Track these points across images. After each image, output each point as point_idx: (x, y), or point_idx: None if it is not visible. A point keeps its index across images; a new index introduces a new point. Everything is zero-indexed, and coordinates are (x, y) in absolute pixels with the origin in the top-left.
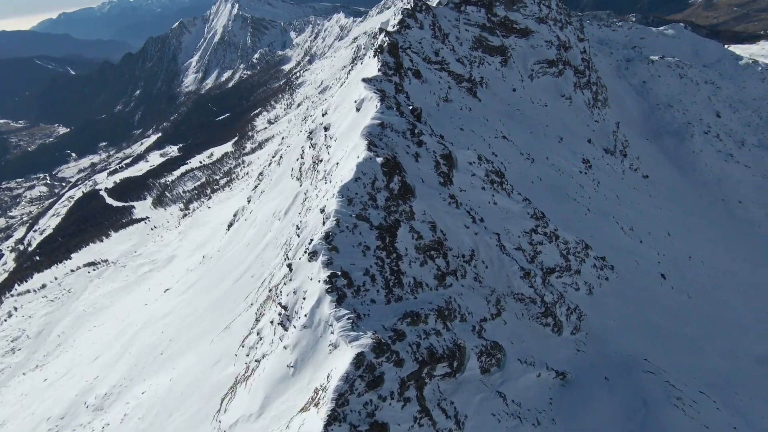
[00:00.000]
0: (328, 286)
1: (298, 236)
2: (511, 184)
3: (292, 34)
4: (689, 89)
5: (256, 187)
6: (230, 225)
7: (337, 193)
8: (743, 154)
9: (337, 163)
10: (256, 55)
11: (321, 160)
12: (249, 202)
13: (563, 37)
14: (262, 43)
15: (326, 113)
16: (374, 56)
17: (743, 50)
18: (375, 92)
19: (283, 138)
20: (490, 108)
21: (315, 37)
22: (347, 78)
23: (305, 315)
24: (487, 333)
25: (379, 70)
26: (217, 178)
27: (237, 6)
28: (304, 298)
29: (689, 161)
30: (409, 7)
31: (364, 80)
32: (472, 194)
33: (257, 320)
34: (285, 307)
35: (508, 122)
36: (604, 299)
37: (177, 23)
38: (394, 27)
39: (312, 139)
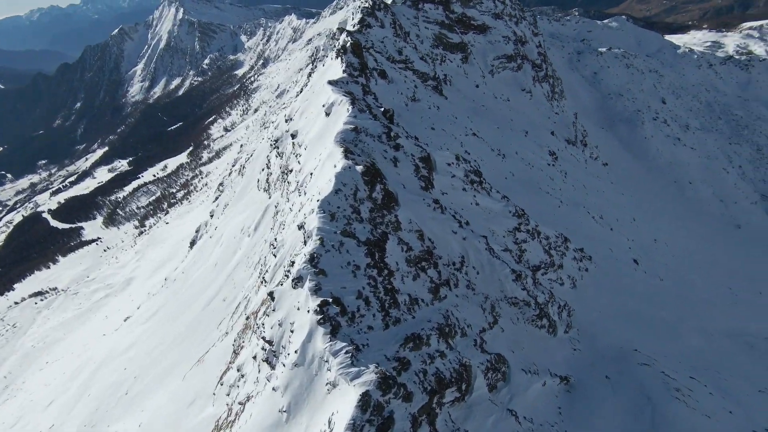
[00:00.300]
0: (319, 317)
1: (275, 256)
2: (489, 182)
3: (243, 38)
4: (636, 78)
5: (217, 198)
6: (193, 242)
7: (318, 208)
8: (689, 137)
9: (311, 173)
10: (206, 61)
11: (291, 170)
12: (212, 216)
13: (519, 32)
14: (211, 48)
15: (291, 119)
16: (337, 57)
17: (677, 39)
18: (344, 95)
19: (242, 146)
20: (457, 105)
21: (267, 40)
22: (308, 81)
23: (296, 351)
24: (488, 345)
25: (344, 71)
26: (174, 191)
27: (182, 10)
28: (292, 331)
29: (642, 147)
30: (368, 5)
31: (330, 83)
32: (454, 197)
33: (236, 353)
34: (270, 342)
35: (476, 119)
36: (587, 291)
37: (117, 30)
38: (354, 26)
39: (278, 148)
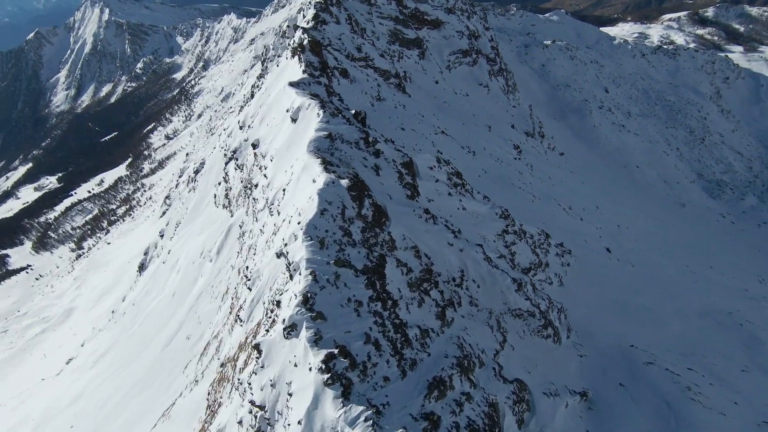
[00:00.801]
0: (326, 376)
1: (250, 289)
2: (470, 183)
3: (179, 39)
4: (580, 69)
5: (165, 213)
6: (142, 266)
7: (303, 234)
8: (631, 124)
9: (284, 190)
10: (140, 65)
11: (256, 185)
12: (162, 236)
13: (472, 26)
14: (145, 51)
15: (248, 126)
16: (294, 56)
17: (608, 31)
18: (310, 98)
19: (188, 154)
20: (421, 103)
21: (206, 41)
22: (259, 83)
23: (299, 422)
24: (505, 369)
25: (304, 71)
26: (114, 207)
27: (107, 11)
28: (290, 394)
29: (593, 135)
30: (320, 0)
31: (291, 85)
32: (441, 203)
33: (212, 410)
34: (261, 407)
35: (440, 115)
36: (573, 287)
37: (33, 34)
38: (308, 23)
39: (237, 160)
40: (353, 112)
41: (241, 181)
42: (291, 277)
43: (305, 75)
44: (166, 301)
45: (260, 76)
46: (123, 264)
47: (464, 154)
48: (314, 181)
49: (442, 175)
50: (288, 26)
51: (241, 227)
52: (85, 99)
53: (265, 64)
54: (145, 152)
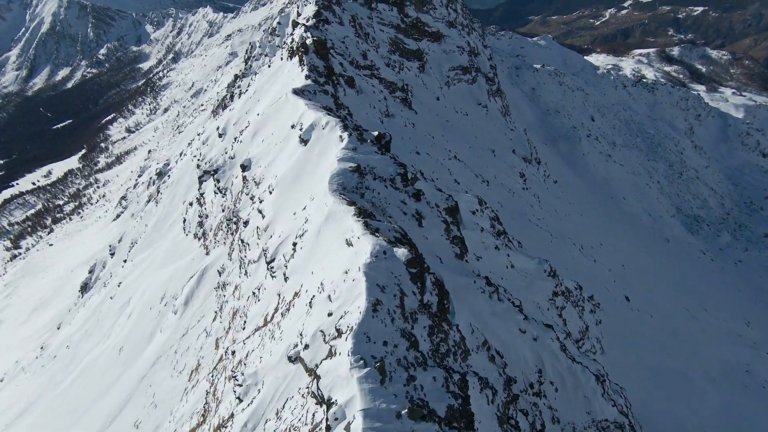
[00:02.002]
0: None
1: (240, 399)
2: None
3: (149, 28)
4: (568, 96)
5: (119, 216)
6: (85, 286)
7: (352, 356)
8: (617, 154)
9: (295, 244)
10: (103, 51)
11: (246, 222)
12: (113, 255)
13: (472, 43)
14: (109, 37)
15: (236, 140)
16: (292, 57)
17: None
18: (326, 112)
19: (150, 151)
20: (426, 121)
21: (179, 33)
22: (241, 83)
23: None
24: None
25: (308, 76)
26: (61, 203)
27: None
28: None
29: (582, 163)
30: None
31: (297, 93)
32: (489, 260)
33: None
34: None
35: (446, 136)
36: (613, 354)
37: None
38: (307, 20)
39: (219, 181)
40: (375, 134)
41: (223, 210)
42: (329, 428)
43: (309, 81)
44: (111, 355)
45: (240, 76)
46: (64, 273)
47: (479, 184)
48: (350, 245)
49: (485, 221)
50: (279, 23)
51: (220, 273)
52: (38, 81)
53: (249, 63)
54: (102, 144)
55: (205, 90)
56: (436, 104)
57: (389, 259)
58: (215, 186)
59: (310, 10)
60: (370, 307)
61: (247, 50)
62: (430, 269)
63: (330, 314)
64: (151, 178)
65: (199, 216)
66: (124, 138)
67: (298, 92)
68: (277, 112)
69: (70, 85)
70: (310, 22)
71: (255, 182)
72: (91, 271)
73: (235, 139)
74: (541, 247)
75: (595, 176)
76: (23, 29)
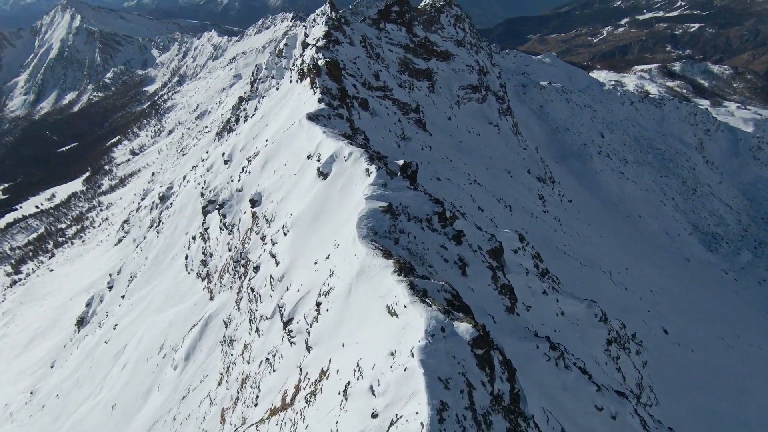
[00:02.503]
0: None
1: None
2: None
3: (155, 52)
4: (576, 113)
5: (120, 241)
6: (81, 321)
7: None
8: (629, 171)
9: (319, 305)
10: (109, 74)
11: (257, 267)
12: (111, 288)
13: (481, 61)
14: (116, 61)
15: (244, 170)
16: (302, 79)
17: None
18: (346, 142)
19: (153, 174)
20: (441, 142)
21: (184, 56)
22: (247, 106)
23: None
24: None
25: (321, 100)
26: (63, 226)
27: (79, 18)
28: None
29: (594, 181)
30: (333, 16)
31: (311, 118)
32: (538, 309)
33: None
34: None
35: (463, 158)
36: (668, 403)
37: None
38: (317, 40)
39: (225, 217)
40: (401, 163)
41: (230, 249)
42: None
43: (322, 105)
44: (102, 413)
45: (246, 99)
46: (63, 302)
47: (501, 209)
48: (393, 314)
49: (528, 260)
50: (286, 45)
51: (226, 325)
52: (45, 106)
53: (255, 86)
54: (106, 167)
55: (210, 112)
56: (449, 124)
57: (449, 339)
58: (221, 221)
59: (319, 30)
60: (435, 415)
61: (253, 72)
62: (495, 343)
63: (375, 415)
64: (153, 202)
65: (203, 254)
66: (129, 160)
67: (312, 117)
68: (289, 139)
69: (76, 108)
70: (321, 43)
71: (266, 220)
72: (88, 305)
73: (243, 169)
74: (574, 278)
75: (608, 194)
76: (32, 55)
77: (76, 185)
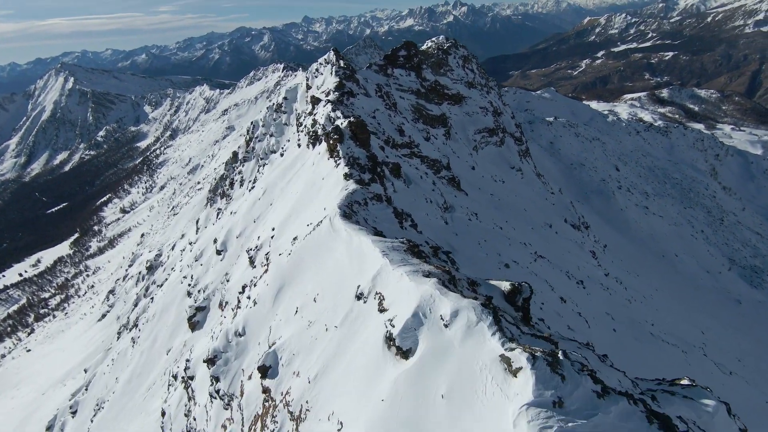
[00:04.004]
0: None
1: None
2: None
3: (147, 108)
4: (587, 147)
5: (104, 315)
6: (50, 429)
7: None
8: (653, 205)
9: None
10: (102, 133)
11: None
12: (74, 413)
13: (494, 102)
14: (108, 119)
15: (248, 302)
16: (314, 143)
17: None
18: (437, 286)
19: (143, 235)
20: (478, 202)
21: (176, 111)
22: (243, 168)
23: None
24: None
25: (349, 176)
26: (46, 296)
27: (72, 80)
28: None
29: (621, 219)
30: (342, 65)
31: (346, 214)
32: None
33: None
34: None
35: (505, 218)
36: None
37: None
38: (329, 92)
39: (218, 381)
40: (506, 287)
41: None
42: None
43: (352, 184)
44: None
45: (242, 160)
46: (36, 396)
47: (574, 288)
48: None
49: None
50: (285, 98)
51: None
52: (36, 167)
53: (251, 145)
54: (95, 227)
55: (202, 166)
56: (474, 176)
57: None
58: (213, 386)
59: (330, 81)
60: None
61: (248, 130)
62: None
63: None
64: (140, 273)
65: (187, 428)
66: (119, 219)
67: (346, 212)
68: (317, 251)
69: (67, 168)
70: (333, 96)
71: (288, 409)
72: (49, 428)
73: (244, 289)
74: (684, 371)
75: (638, 232)
76: (24, 118)
77: (64, 248)
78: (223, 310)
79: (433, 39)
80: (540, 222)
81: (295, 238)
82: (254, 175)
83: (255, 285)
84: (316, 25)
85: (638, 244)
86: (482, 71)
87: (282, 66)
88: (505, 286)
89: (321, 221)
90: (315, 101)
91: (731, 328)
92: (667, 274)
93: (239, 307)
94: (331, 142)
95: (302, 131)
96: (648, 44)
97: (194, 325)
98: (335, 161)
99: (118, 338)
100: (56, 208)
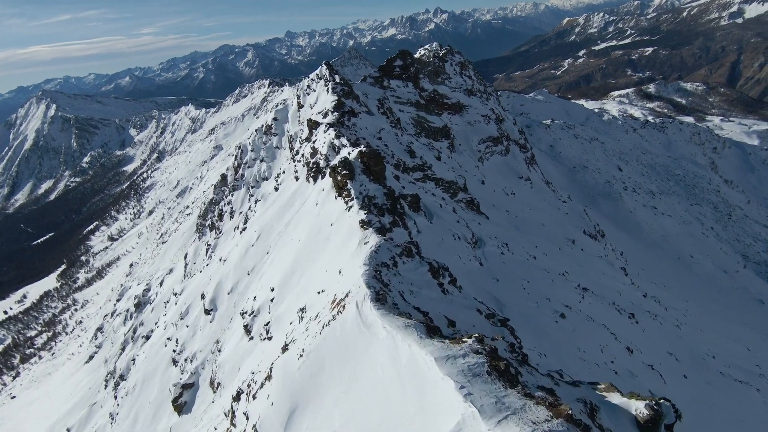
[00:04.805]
0: None
1: None
2: None
3: (133, 131)
4: (587, 148)
5: (92, 357)
6: None
7: None
8: (660, 204)
9: None
10: (86, 159)
11: None
12: None
13: (496, 109)
14: (93, 144)
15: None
16: (315, 176)
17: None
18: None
19: (131, 265)
20: (499, 225)
21: (162, 132)
22: (232, 198)
23: None
24: None
25: (368, 223)
26: (33, 334)
27: (54, 107)
28: None
29: (632, 222)
30: (338, 80)
31: (379, 296)
32: None
33: None
34: None
35: (528, 238)
36: None
37: None
38: (326, 112)
39: None
40: (641, 414)
41: None
42: None
43: (371, 235)
44: None
45: (230, 187)
46: None
47: (629, 326)
48: None
49: None
50: (275, 119)
51: None
52: (20, 197)
53: (240, 171)
54: (83, 257)
55: (191, 188)
56: (483, 190)
57: None
58: None
59: (327, 100)
60: None
61: (235, 156)
62: None
63: None
64: (128, 311)
65: None
66: (107, 248)
67: (379, 293)
68: (342, 359)
69: (52, 197)
70: (332, 118)
71: None
72: None
73: (242, 428)
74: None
75: (651, 235)
76: (6, 148)
77: (51, 281)
78: (215, 391)
79: (426, 47)
80: (562, 238)
81: (302, 310)
82: (245, 206)
83: (254, 397)
84: (299, 39)
85: (652, 247)
86: (480, 77)
87: (268, 82)
88: (640, 410)
89: (342, 303)
90: (312, 125)
91: (762, 333)
92: (683, 277)
93: (233, 425)
94: (339, 178)
95: (299, 161)
96: (627, 41)
97: (181, 407)
98: (345, 201)
99: (105, 386)
100: (42, 239)
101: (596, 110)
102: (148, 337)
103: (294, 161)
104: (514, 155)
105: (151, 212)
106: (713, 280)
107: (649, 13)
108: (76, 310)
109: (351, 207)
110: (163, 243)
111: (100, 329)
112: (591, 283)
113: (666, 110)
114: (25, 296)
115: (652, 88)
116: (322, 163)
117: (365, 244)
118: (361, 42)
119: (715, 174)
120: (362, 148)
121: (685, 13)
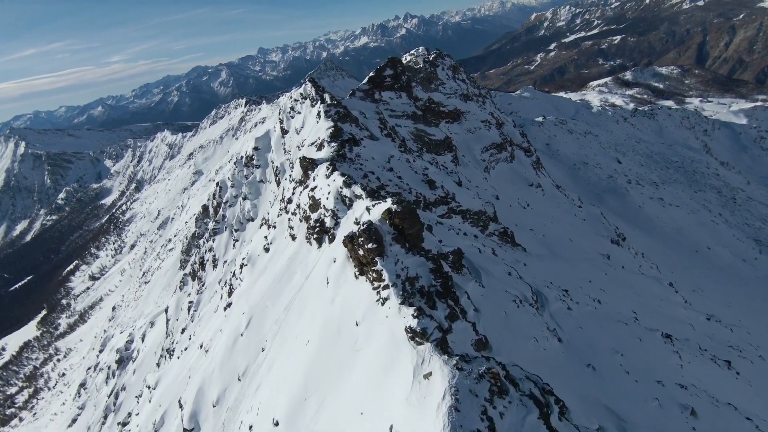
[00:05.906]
0: None
1: None
2: None
3: (108, 163)
4: (582, 143)
5: (74, 420)
6: None
7: None
8: (666, 194)
9: None
10: (62, 195)
11: None
12: None
13: (495, 113)
14: (68, 180)
15: None
16: (320, 238)
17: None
18: None
19: (114, 308)
20: (540, 257)
21: (139, 161)
22: (213, 244)
23: None
24: None
25: (423, 335)
26: (13, 391)
27: (23, 144)
28: None
29: (642, 217)
30: (329, 100)
31: None
32: None
33: None
34: None
35: (568, 266)
36: None
37: None
38: (321, 143)
39: None
40: None
41: None
42: None
43: (431, 348)
44: None
45: (212, 232)
46: None
47: (725, 378)
48: None
49: None
50: (256, 148)
51: None
52: None
53: (221, 212)
54: (64, 301)
55: (172, 218)
56: (501, 207)
57: None
58: None
59: (321, 128)
60: None
61: (214, 194)
62: None
63: None
64: (110, 368)
65: None
66: (88, 288)
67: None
68: None
69: (28, 237)
70: (330, 151)
71: None
72: None
73: None
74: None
75: (664, 229)
76: None
77: (30, 330)
78: None
79: (413, 51)
80: (594, 253)
81: None
82: (229, 255)
83: None
84: (272, 54)
85: (667, 242)
86: (472, 80)
87: (244, 101)
88: None
89: None
90: (308, 165)
91: None
92: (705, 272)
93: None
94: (361, 252)
95: (295, 212)
96: (596, 31)
97: None
98: (374, 287)
99: None
100: (20, 284)
101: (579, 101)
102: (125, 424)
103: (287, 212)
104: (520, 161)
105: (132, 246)
106: (735, 271)
107: (613, 3)
108: (58, 360)
109: (386, 299)
110: (146, 283)
111: (83, 385)
112: (663, 322)
113: (645, 96)
114: (4, 348)
115: (629, 75)
116: (328, 223)
117: (426, 379)
118: (334, 53)
119: (711, 157)
120: (390, 203)
121: (648, 0)
